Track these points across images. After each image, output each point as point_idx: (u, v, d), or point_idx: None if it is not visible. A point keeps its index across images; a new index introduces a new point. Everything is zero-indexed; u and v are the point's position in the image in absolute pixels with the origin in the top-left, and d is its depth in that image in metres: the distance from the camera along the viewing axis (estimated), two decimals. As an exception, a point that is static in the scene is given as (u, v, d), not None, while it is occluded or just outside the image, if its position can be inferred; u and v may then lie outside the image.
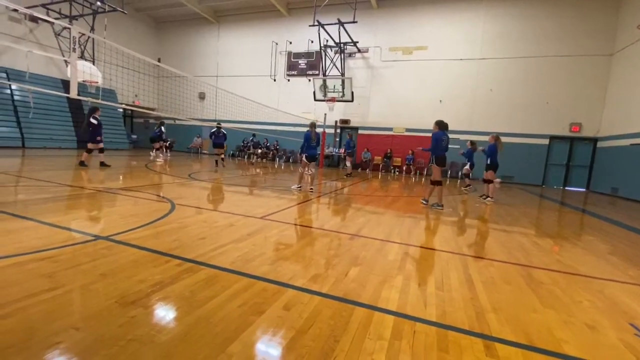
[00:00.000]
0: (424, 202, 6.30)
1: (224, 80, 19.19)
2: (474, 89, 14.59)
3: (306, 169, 7.48)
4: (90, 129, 8.66)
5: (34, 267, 2.25)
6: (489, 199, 7.48)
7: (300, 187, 7.11)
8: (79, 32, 5.42)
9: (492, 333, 1.84)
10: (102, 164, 8.70)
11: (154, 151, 13.50)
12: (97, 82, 12.85)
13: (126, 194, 5.23)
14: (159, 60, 20.41)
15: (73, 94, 5.23)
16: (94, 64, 14.49)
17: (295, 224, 4.15)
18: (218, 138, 11.46)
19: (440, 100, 15.02)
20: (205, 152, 20.20)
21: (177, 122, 19.44)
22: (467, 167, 9.67)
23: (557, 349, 1.75)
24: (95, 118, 8.67)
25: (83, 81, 12.46)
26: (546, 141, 13.80)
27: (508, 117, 14.11)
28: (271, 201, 5.64)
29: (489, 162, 7.57)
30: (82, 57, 14.77)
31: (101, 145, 8.87)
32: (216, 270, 2.41)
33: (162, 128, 13.06)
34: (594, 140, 13.27)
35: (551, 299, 2.37)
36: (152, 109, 20.65)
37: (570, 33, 13.15)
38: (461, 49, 14.63)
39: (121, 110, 18.61)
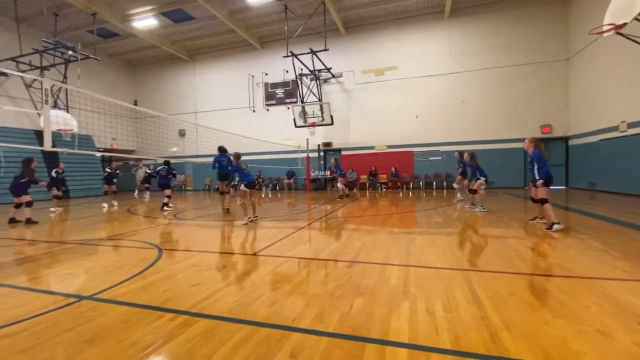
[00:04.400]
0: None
1: (203, 115, 19.27)
2: (446, 102, 15.17)
3: (246, 199, 6.68)
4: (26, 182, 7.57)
5: (6, 343, 2.04)
6: (480, 207, 7.54)
7: (250, 218, 6.56)
8: (51, 83, 5.34)
9: (510, 354, 1.76)
10: (29, 221, 7.33)
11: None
12: (72, 130, 12.59)
13: (108, 244, 4.97)
14: (135, 103, 20.36)
15: (47, 146, 5.06)
16: (68, 111, 14.27)
17: (291, 257, 4.02)
18: (162, 178, 9.52)
19: (417, 116, 15.50)
20: (189, 188, 19.88)
21: (158, 160, 19.18)
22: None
23: (577, 363, 1.68)
24: (31, 170, 7.68)
25: (57, 130, 12.19)
26: (521, 144, 14.31)
27: (480, 125, 14.64)
28: (262, 234, 5.49)
29: (477, 173, 7.68)
30: (55, 105, 14.55)
31: (29, 198, 7.66)
32: (213, 321, 2.25)
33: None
34: (565, 139, 13.87)
35: (559, 307, 2.33)
36: (131, 151, 20.33)
37: (527, 43, 14.05)
38: (430, 66, 15.32)
39: (99, 155, 18.20)
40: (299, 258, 3.96)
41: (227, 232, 5.85)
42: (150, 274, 3.35)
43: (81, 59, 14.39)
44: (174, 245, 4.80)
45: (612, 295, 2.52)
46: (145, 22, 15.60)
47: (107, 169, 11.83)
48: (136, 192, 16.85)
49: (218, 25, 16.30)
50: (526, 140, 5.57)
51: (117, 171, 11.96)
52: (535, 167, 5.21)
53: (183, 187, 19.63)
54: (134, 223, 7.19)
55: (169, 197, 9.63)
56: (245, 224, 6.40)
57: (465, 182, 8.70)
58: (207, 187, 19.35)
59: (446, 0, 13.99)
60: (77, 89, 6.28)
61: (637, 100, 9.67)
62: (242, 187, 6.58)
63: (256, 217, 6.85)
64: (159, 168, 9.85)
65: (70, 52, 14.07)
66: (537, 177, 5.20)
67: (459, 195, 10.07)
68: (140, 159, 18.38)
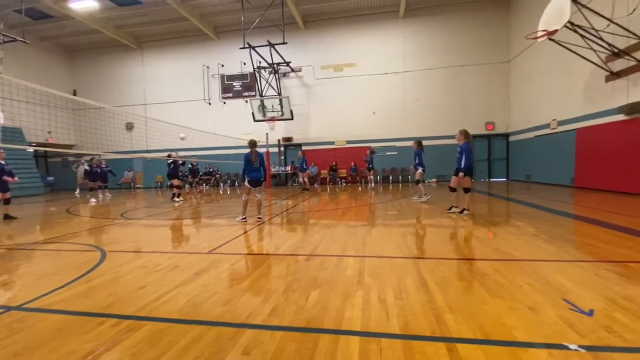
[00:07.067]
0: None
1: (154, 107, 18.06)
2: (402, 100, 15.79)
3: (250, 195, 6.29)
4: None
5: None
6: (416, 197, 8.01)
7: (245, 218, 6.10)
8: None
9: (452, 334, 1.90)
10: (7, 217, 7.39)
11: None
12: (-3, 122, 11.12)
13: (44, 248, 4.50)
14: (74, 93, 18.52)
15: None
16: (-9, 101, 12.57)
17: (248, 254, 3.94)
18: (170, 169, 10.75)
19: (374, 112, 15.94)
20: (139, 186, 18.62)
21: (102, 156, 17.66)
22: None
23: (509, 337, 1.86)
24: None
25: (-22, 122, 10.70)
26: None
27: (433, 122, 15.47)
28: (219, 232, 5.32)
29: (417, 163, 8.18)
30: (-26, 94, 12.74)
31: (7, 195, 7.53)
32: (161, 323, 2.14)
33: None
34: (506, 135, 15.17)
35: (496, 288, 2.56)
36: (70, 146, 18.50)
37: (474, 45, 15.06)
38: (386, 64, 15.81)
39: (31, 150, 16.31)
40: (257, 254, 3.90)
41: (180, 231, 5.58)
42: (91, 279, 3.09)
43: (6, 41, 12.71)
44: (119, 246, 4.47)
45: (542, 275, 2.82)
46: (83, 3, 14.17)
47: (87, 165, 13.03)
48: (77, 191, 15.42)
49: (169, 12, 15.31)
50: (458, 132, 6.08)
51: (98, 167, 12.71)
52: (463, 158, 5.77)
53: (132, 184, 18.33)
54: (74, 224, 6.57)
55: (177, 187, 10.60)
56: (244, 220, 6.03)
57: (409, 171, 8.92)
58: (159, 184, 18.28)
59: (401, 0, 14.47)
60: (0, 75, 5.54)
61: (565, 100, 10.85)
62: (246, 183, 6.11)
63: (260, 218, 6.17)
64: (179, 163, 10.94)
65: (-9, 33, 12.36)
66: (461, 167, 5.80)
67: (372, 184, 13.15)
68: (82, 154, 16.82)
